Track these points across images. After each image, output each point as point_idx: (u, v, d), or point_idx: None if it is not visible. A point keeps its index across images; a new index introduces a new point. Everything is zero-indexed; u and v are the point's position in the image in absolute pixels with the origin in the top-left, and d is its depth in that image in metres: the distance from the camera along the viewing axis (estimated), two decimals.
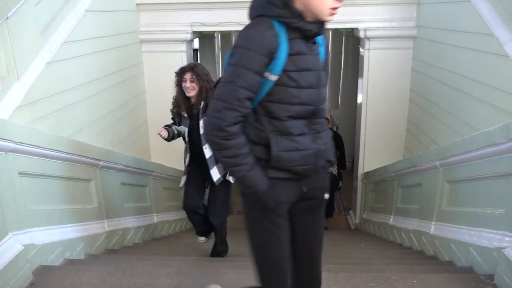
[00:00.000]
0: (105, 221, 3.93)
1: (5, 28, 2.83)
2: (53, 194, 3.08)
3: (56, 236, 2.99)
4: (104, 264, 3.05)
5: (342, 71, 10.87)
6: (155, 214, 5.26)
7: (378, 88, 6.13)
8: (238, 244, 4.52)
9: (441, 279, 2.41)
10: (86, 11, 4.04)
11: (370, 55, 6.02)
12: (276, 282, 1.63)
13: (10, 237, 2.37)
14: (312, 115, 1.59)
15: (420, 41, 5.63)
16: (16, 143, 2.48)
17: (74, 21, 3.84)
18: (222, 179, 3.31)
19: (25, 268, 2.41)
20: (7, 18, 2.83)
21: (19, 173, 2.58)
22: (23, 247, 2.41)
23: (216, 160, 3.21)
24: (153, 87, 6.27)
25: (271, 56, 1.48)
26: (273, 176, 1.57)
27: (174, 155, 6.47)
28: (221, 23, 5.99)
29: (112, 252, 3.80)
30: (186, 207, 3.60)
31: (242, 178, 1.54)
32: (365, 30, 5.87)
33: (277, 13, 1.50)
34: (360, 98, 6.55)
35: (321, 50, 1.65)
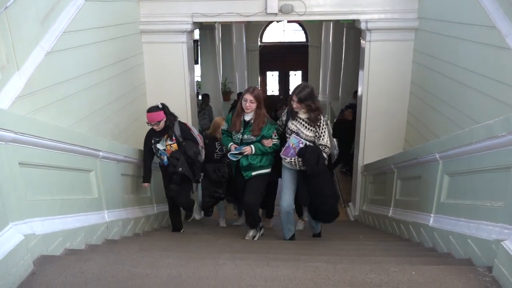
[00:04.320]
0: (105, 211, 3.94)
1: (4, 18, 2.81)
2: (53, 184, 3.09)
3: (57, 226, 3.00)
4: (104, 254, 3.06)
5: (342, 63, 10.84)
6: (155, 205, 5.27)
7: (379, 80, 6.11)
8: (238, 237, 4.54)
9: (439, 271, 2.42)
10: (86, 0, 4.01)
11: (371, 47, 5.99)
12: None
13: (11, 227, 2.38)
14: None
15: (422, 33, 5.60)
16: (16, 133, 2.47)
17: (74, 11, 3.82)
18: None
19: (26, 258, 2.42)
20: (6, 7, 2.81)
21: (20, 163, 2.58)
22: (23, 237, 2.42)
23: None
24: (153, 78, 6.26)
25: None
26: None
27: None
28: (222, 13, 5.95)
29: (112, 242, 3.81)
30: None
31: None
32: (366, 21, 5.84)
33: None
34: (360, 90, 6.53)
35: None
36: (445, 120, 4.62)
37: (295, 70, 16.59)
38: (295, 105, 3.80)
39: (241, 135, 4.06)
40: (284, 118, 4.09)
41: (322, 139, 3.86)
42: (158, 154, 4.46)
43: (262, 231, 4.57)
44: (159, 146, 4.40)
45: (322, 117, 3.90)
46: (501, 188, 2.52)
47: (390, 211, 5.02)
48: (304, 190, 3.98)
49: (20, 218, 2.54)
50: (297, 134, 3.87)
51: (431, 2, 5.30)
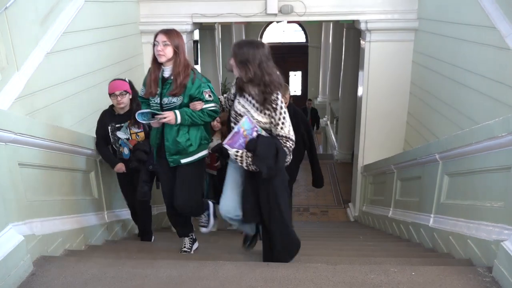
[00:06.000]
0: (105, 212, 3.95)
1: (4, 18, 2.81)
2: (53, 185, 3.09)
3: (57, 226, 3.00)
4: (104, 255, 3.07)
5: (342, 64, 10.83)
6: (154, 206, 5.26)
7: (379, 80, 6.11)
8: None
9: (439, 272, 2.42)
10: (85, 1, 4.01)
11: (371, 47, 6.00)
12: None
13: (11, 228, 2.38)
14: None
15: (422, 34, 5.60)
16: (15, 134, 2.47)
17: (74, 11, 3.82)
18: None
19: (26, 259, 2.42)
20: (6, 8, 2.81)
21: (19, 164, 2.58)
22: (23, 238, 2.42)
23: None
24: None
25: None
26: None
27: None
28: (222, 14, 5.96)
29: (112, 243, 3.82)
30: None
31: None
32: (366, 22, 5.84)
33: None
34: (360, 91, 6.54)
35: None
36: (445, 121, 4.62)
37: (295, 70, 16.61)
38: (234, 70, 2.58)
39: (159, 99, 2.86)
40: (233, 90, 2.78)
41: (282, 128, 2.54)
42: (118, 145, 3.55)
43: (197, 244, 3.48)
44: (120, 134, 3.50)
45: (278, 96, 2.53)
46: (501, 189, 2.52)
47: (390, 212, 5.02)
48: (249, 197, 2.66)
49: (20, 219, 2.54)
50: None
51: (431, 2, 5.30)
